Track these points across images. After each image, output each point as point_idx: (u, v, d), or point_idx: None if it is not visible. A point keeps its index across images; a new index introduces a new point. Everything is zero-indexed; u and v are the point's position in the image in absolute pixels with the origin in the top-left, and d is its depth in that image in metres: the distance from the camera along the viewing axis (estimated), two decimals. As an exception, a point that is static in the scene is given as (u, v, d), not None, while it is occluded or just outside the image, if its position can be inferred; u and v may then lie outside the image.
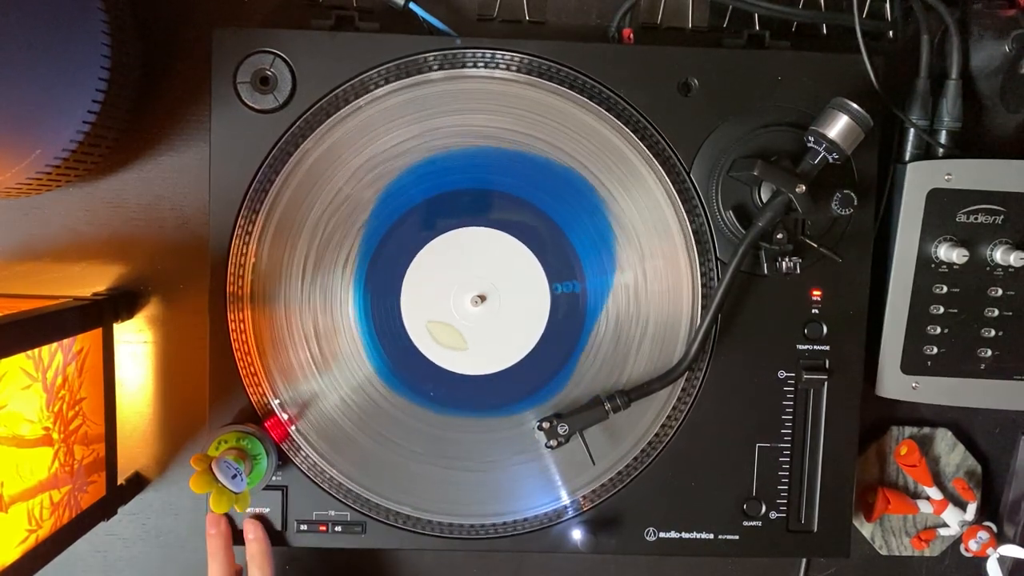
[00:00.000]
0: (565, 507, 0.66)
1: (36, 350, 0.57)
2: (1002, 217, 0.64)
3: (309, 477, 0.65)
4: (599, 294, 0.65)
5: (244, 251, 0.63)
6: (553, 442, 0.64)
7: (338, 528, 0.65)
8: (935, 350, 0.67)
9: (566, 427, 0.63)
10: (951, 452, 0.74)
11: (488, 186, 0.64)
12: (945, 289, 0.66)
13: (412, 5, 0.64)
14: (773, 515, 0.67)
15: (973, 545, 0.71)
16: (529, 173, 0.64)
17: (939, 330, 0.66)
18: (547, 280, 0.65)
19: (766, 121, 0.63)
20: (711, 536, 0.66)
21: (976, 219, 0.65)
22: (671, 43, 0.67)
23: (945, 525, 0.73)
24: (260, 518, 0.65)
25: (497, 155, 0.63)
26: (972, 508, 0.72)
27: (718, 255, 0.65)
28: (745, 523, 0.67)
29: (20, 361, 0.56)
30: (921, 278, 0.65)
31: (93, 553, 0.72)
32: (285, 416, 0.65)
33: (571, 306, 0.65)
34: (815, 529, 0.67)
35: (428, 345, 0.65)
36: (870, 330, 0.66)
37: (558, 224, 0.64)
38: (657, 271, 0.65)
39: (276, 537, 0.65)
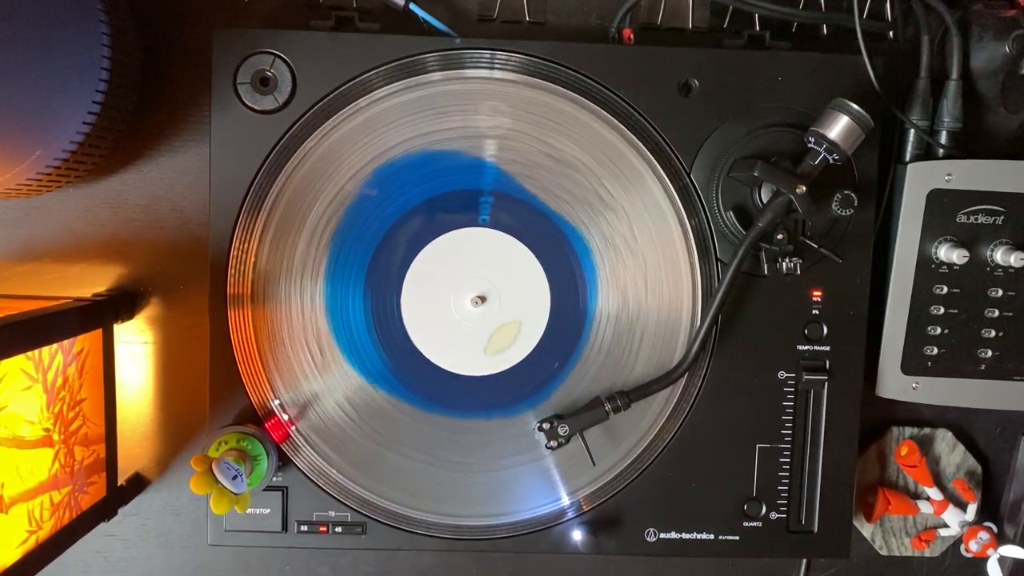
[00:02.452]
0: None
1: (36, 351, 0.57)
2: (1002, 217, 0.64)
3: (309, 478, 0.65)
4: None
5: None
6: (553, 443, 0.64)
7: (338, 529, 0.65)
8: (935, 350, 0.67)
9: (566, 428, 0.63)
10: (951, 452, 0.74)
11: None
12: (945, 289, 0.66)
13: (412, 6, 0.64)
14: (773, 516, 0.67)
15: (973, 546, 0.71)
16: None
17: (939, 330, 0.66)
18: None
19: (766, 122, 0.63)
20: (711, 537, 0.66)
21: (976, 219, 0.65)
22: (671, 43, 0.66)
23: (945, 525, 0.73)
24: None
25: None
26: (972, 508, 0.72)
27: (718, 256, 0.65)
28: (745, 524, 0.67)
29: (20, 362, 0.56)
30: (921, 278, 0.65)
31: (93, 554, 0.72)
32: (285, 417, 0.65)
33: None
34: (815, 530, 0.67)
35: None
36: (870, 331, 0.66)
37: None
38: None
39: (277, 538, 0.65)
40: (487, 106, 0.63)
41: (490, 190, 0.64)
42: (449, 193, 0.64)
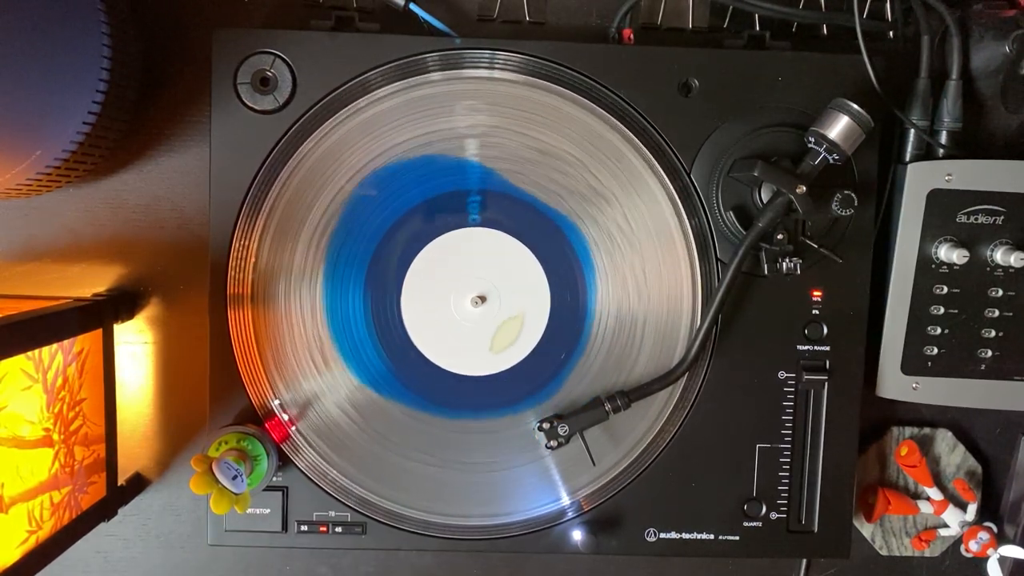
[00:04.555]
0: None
1: (36, 351, 0.57)
2: (1002, 217, 0.64)
3: (309, 478, 0.65)
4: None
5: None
6: (553, 443, 0.64)
7: (338, 529, 0.65)
8: (935, 350, 0.67)
9: (566, 428, 0.63)
10: (951, 452, 0.74)
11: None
12: (945, 289, 0.66)
13: (412, 6, 0.64)
14: (773, 516, 0.67)
15: (973, 546, 0.71)
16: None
17: (939, 330, 0.66)
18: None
19: (766, 122, 0.63)
20: (711, 537, 0.66)
21: (976, 219, 0.65)
22: (671, 43, 0.66)
23: (945, 526, 0.73)
24: None
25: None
26: (972, 508, 0.72)
27: (718, 256, 0.65)
28: (745, 524, 0.67)
29: (20, 362, 0.56)
30: (921, 278, 0.65)
31: (93, 554, 0.72)
32: (285, 417, 0.65)
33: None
34: (815, 530, 0.67)
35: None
36: (870, 330, 0.66)
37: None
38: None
39: (277, 538, 0.65)
40: (487, 106, 0.63)
41: (490, 190, 0.64)
42: (449, 193, 0.64)
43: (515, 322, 0.64)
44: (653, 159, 0.64)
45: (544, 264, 0.64)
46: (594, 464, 0.65)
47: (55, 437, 0.60)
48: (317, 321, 0.64)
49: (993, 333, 0.66)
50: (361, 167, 0.63)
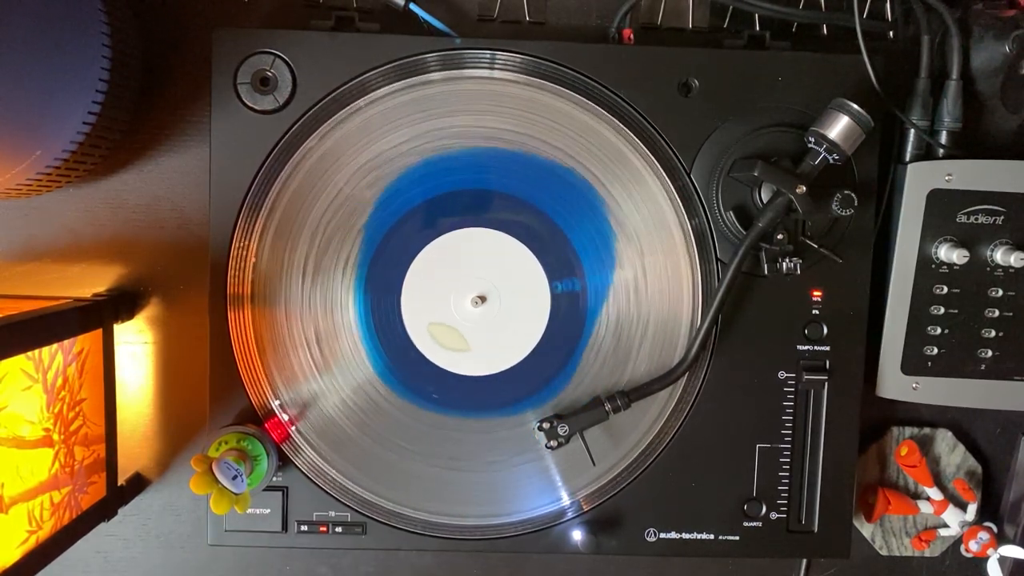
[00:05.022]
0: (565, 508, 0.66)
1: (36, 351, 0.57)
2: (1002, 217, 0.64)
3: (309, 478, 0.65)
4: (599, 293, 0.65)
5: (244, 251, 0.63)
6: (553, 443, 0.64)
7: (338, 529, 0.65)
8: (935, 350, 0.67)
9: (566, 428, 0.63)
10: (951, 452, 0.74)
11: (488, 187, 0.64)
12: (945, 289, 0.66)
13: (412, 6, 0.64)
14: (773, 516, 0.67)
15: (973, 546, 0.71)
16: (529, 174, 0.64)
17: (939, 330, 0.66)
18: (547, 280, 0.65)
19: (766, 122, 0.63)
20: (711, 537, 0.66)
21: (976, 219, 0.65)
22: (671, 43, 0.66)
23: (945, 526, 0.73)
24: None
25: (497, 156, 0.63)
26: (972, 508, 0.72)
27: (718, 255, 0.65)
28: (745, 524, 0.67)
29: (20, 362, 0.56)
30: (921, 278, 0.65)
31: (93, 554, 0.72)
32: (286, 417, 0.65)
33: (571, 306, 0.65)
34: (815, 530, 0.67)
35: (429, 346, 0.65)
36: (870, 330, 0.66)
37: (558, 224, 0.64)
38: (657, 271, 0.65)
39: (277, 538, 0.65)
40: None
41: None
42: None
43: (460, 341, 0.64)
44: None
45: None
46: (594, 464, 0.65)
47: (55, 437, 0.60)
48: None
49: (993, 333, 0.66)
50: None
